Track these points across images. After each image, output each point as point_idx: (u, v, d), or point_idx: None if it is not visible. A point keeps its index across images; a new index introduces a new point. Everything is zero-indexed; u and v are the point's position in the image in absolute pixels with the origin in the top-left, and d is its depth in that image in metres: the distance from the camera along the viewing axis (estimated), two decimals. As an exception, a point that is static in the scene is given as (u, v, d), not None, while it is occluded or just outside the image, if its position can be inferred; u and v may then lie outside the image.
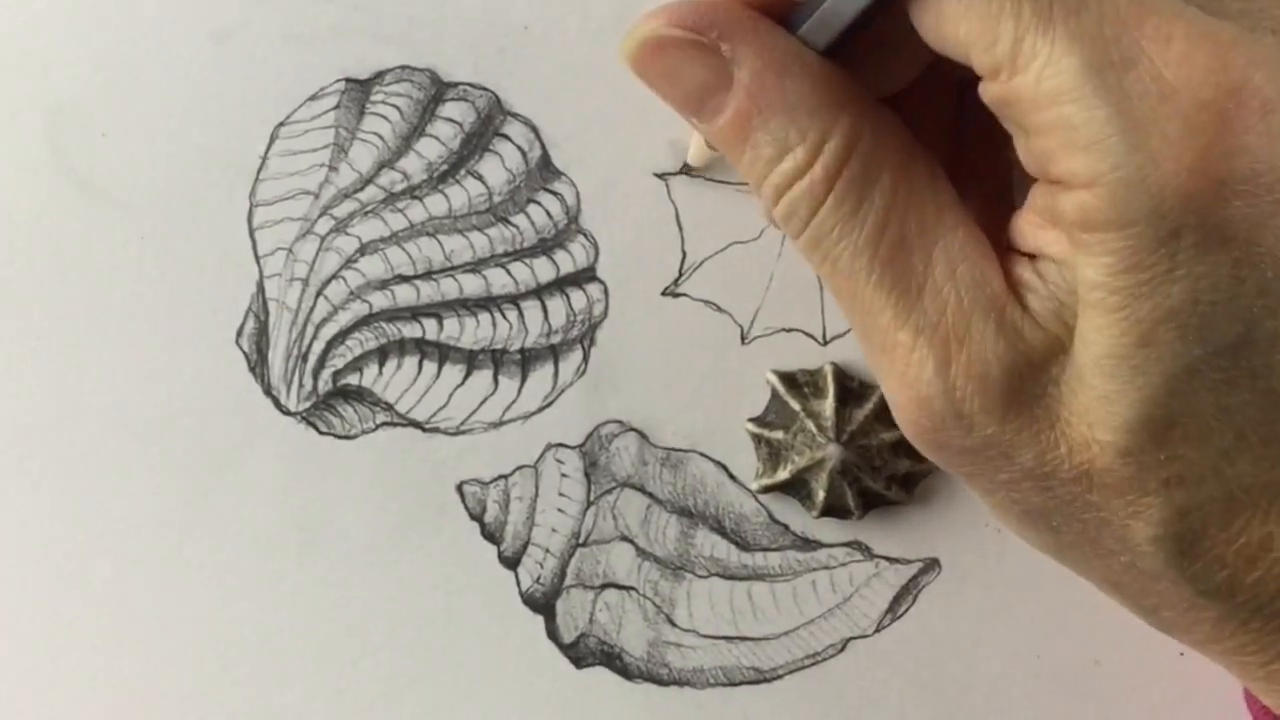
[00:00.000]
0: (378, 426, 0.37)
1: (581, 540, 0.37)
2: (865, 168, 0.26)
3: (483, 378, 0.37)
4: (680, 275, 0.37)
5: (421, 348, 0.37)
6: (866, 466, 0.36)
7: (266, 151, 0.37)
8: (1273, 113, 0.23)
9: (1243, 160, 0.23)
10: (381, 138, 0.37)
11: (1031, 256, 0.26)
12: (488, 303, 0.37)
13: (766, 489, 0.36)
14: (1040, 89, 0.23)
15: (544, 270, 0.37)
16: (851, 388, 0.36)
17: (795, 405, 0.36)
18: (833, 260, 0.26)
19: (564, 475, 0.37)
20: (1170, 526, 0.25)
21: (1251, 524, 0.25)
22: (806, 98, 0.26)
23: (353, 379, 0.37)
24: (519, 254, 0.37)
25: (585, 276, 0.37)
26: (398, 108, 0.37)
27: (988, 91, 0.25)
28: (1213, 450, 0.25)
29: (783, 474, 0.36)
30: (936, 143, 0.29)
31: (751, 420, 0.37)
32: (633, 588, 0.37)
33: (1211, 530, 0.25)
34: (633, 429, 0.37)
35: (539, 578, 0.37)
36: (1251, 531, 0.25)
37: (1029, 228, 0.26)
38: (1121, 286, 0.24)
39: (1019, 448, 0.26)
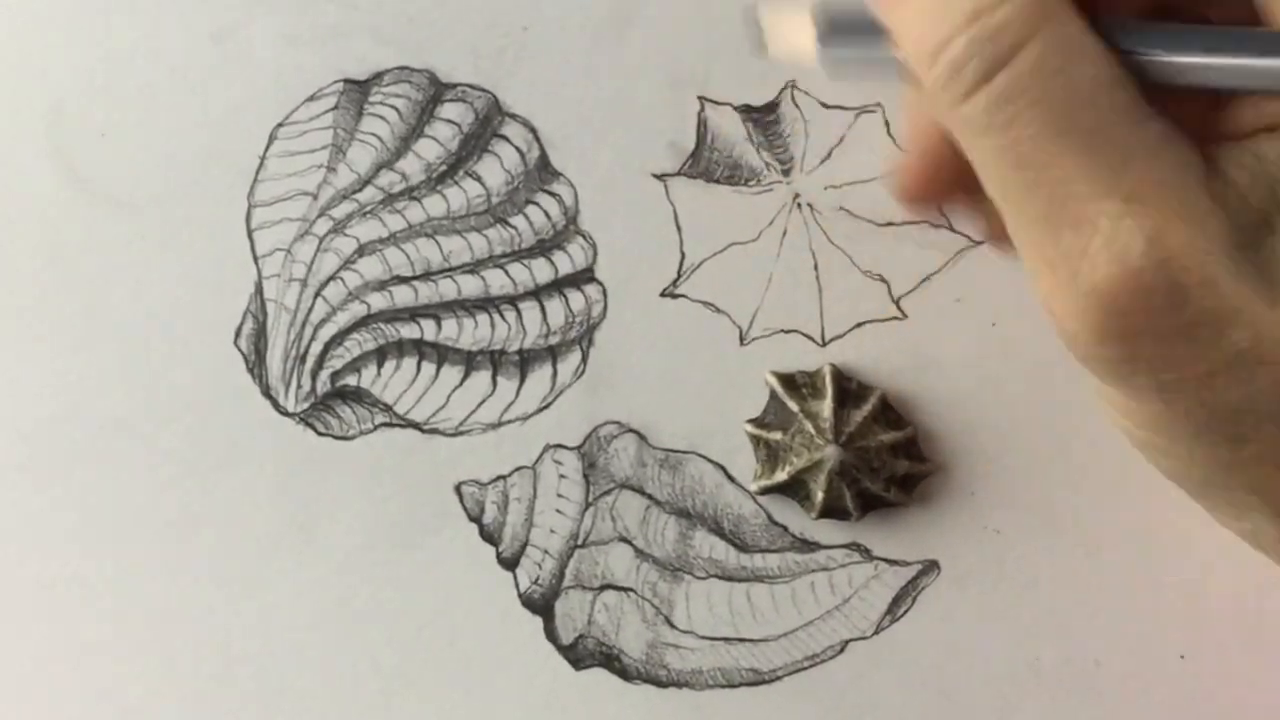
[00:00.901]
0: (376, 427, 0.37)
1: (580, 541, 0.37)
2: (1068, 33, 0.24)
3: (481, 379, 0.37)
4: (679, 276, 0.37)
5: (420, 349, 0.37)
6: (865, 468, 0.36)
7: (265, 152, 0.37)
8: None
9: None
10: (380, 139, 0.37)
11: (1240, 140, 0.24)
12: (486, 304, 0.37)
13: (765, 490, 0.36)
14: None
15: (542, 271, 0.37)
16: (850, 389, 0.36)
17: (794, 406, 0.36)
18: (1032, 114, 0.23)
19: (562, 476, 0.37)
20: None
21: None
22: None
23: (351, 380, 0.37)
24: (517, 255, 0.37)
25: (584, 277, 0.37)
26: (396, 109, 0.37)
27: None
28: None
29: (781, 475, 0.36)
30: None
31: (750, 421, 0.37)
32: (631, 589, 0.37)
33: None
34: (631, 430, 0.37)
35: (537, 579, 0.37)
36: None
37: (1246, 108, 0.24)
38: None
39: (1236, 324, 0.23)
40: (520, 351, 0.37)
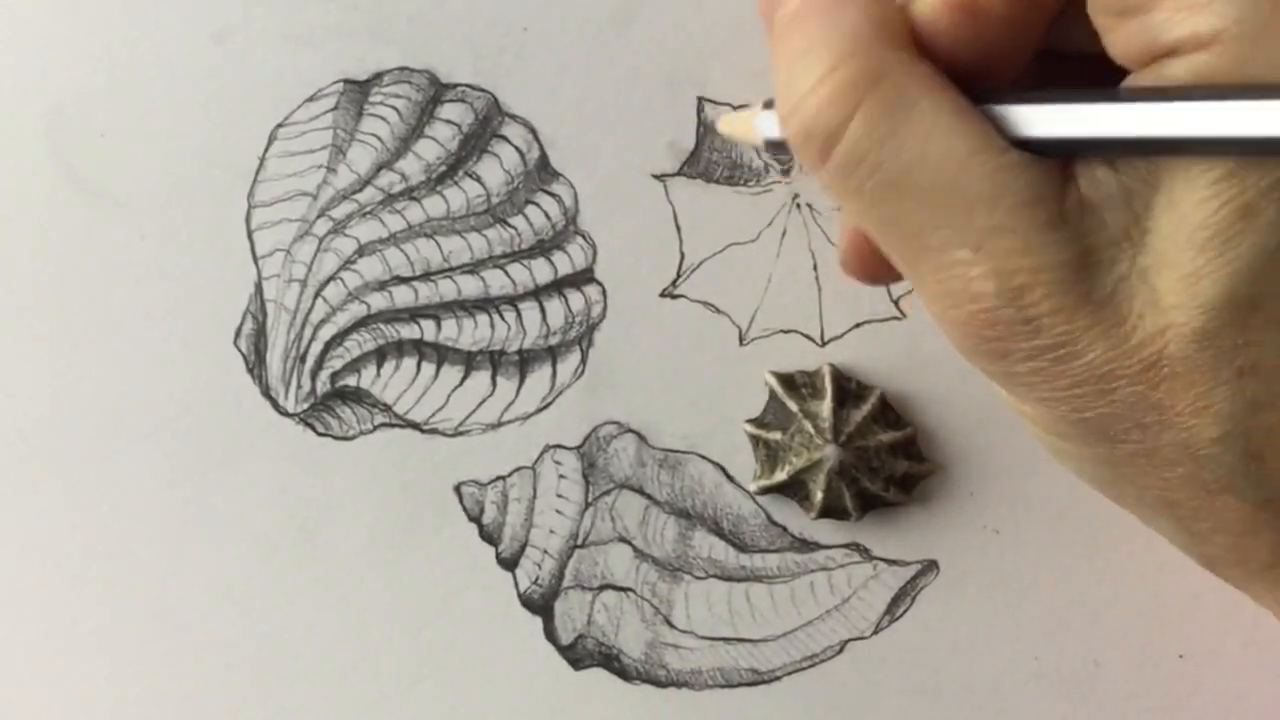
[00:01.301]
0: (376, 427, 0.37)
1: (579, 541, 0.37)
2: (907, 82, 0.25)
3: (481, 379, 0.37)
4: (678, 276, 0.37)
5: (420, 349, 0.37)
6: (864, 468, 0.36)
7: (265, 153, 0.37)
8: None
9: None
10: (380, 139, 0.37)
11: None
12: (486, 304, 0.37)
13: (764, 490, 0.36)
14: None
15: (542, 272, 0.37)
16: (849, 389, 0.36)
17: (793, 406, 0.36)
18: (873, 180, 0.25)
19: (562, 476, 0.37)
20: (1239, 422, 0.24)
21: None
22: (858, 23, 0.25)
23: (351, 380, 0.37)
24: (517, 255, 0.37)
25: (583, 278, 0.37)
26: (396, 109, 0.37)
27: (1122, 36, 0.24)
28: None
29: (781, 475, 0.36)
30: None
31: (749, 421, 0.37)
32: (631, 589, 0.37)
33: None
34: (631, 430, 0.37)
35: (537, 579, 0.37)
36: None
37: None
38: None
39: (1088, 345, 0.25)
40: (520, 352, 0.37)
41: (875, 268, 0.30)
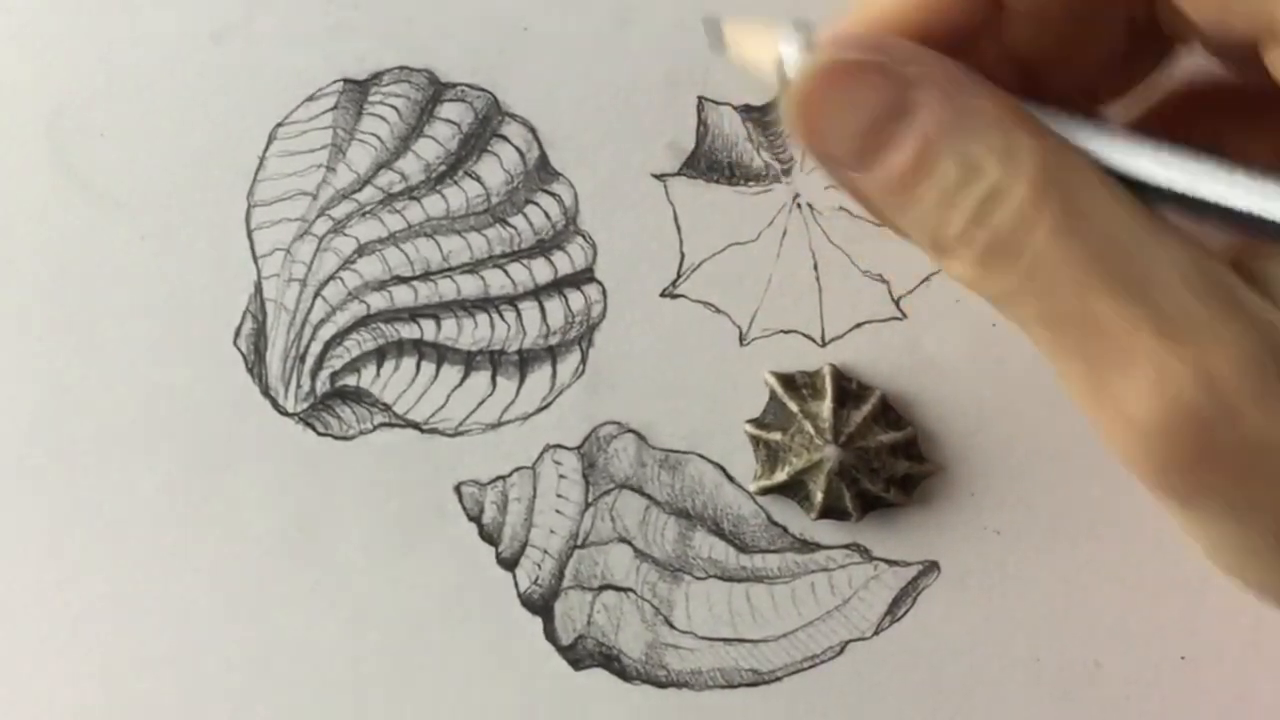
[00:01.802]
0: (375, 427, 0.37)
1: (579, 541, 0.37)
2: (1067, 177, 0.23)
3: (481, 379, 0.37)
4: (679, 276, 0.37)
5: (419, 349, 0.37)
6: (865, 468, 0.36)
7: (264, 152, 0.37)
8: None
9: None
10: (379, 138, 0.37)
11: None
12: (486, 304, 0.37)
13: (765, 490, 0.36)
14: None
15: (542, 271, 0.37)
16: (850, 389, 0.36)
17: (793, 407, 0.36)
18: (1052, 289, 0.23)
19: (562, 476, 0.37)
20: None
21: None
22: (993, 112, 0.23)
23: (350, 380, 0.37)
24: (517, 255, 0.37)
25: (583, 278, 0.37)
26: (396, 108, 0.37)
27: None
28: None
29: (781, 475, 0.36)
30: None
31: (750, 422, 0.37)
32: (631, 589, 0.37)
33: None
34: (631, 430, 0.37)
35: (537, 579, 0.37)
36: None
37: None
38: None
39: None
40: (520, 351, 0.37)
41: None
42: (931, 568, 0.37)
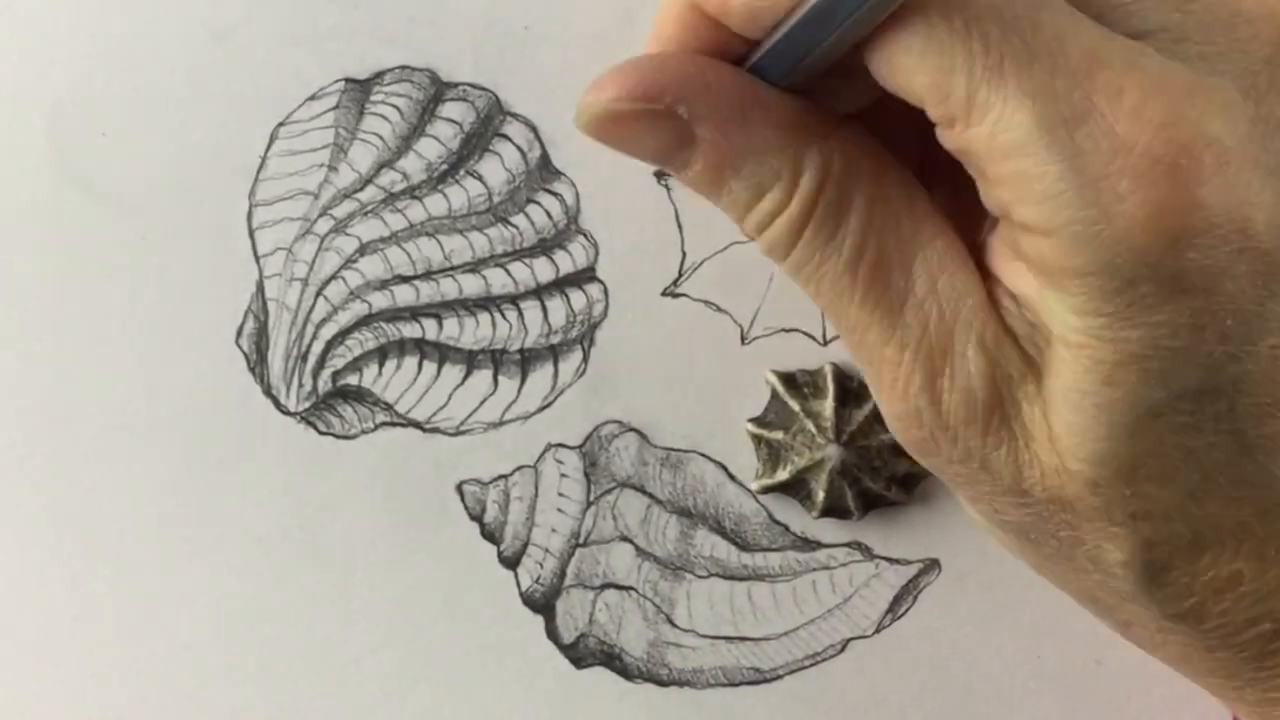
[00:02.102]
0: (377, 426, 0.37)
1: (581, 540, 0.37)
2: (840, 194, 0.26)
3: (482, 378, 0.37)
4: (680, 275, 0.37)
5: (421, 348, 0.37)
6: (866, 467, 0.36)
7: (266, 151, 0.37)
8: (1227, 165, 0.23)
9: (1198, 215, 0.23)
10: (381, 138, 0.37)
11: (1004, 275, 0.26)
12: (487, 303, 0.37)
13: (766, 489, 0.36)
14: (995, 143, 0.24)
15: (544, 270, 0.37)
16: (851, 388, 0.36)
17: (795, 406, 0.36)
18: (816, 283, 0.27)
19: (564, 475, 0.37)
20: (1138, 555, 0.26)
21: (1219, 560, 0.25)
22: (772, 139, 0.26)
23: (352, 379, 0.37)
24: (519, 254, 0.37)
25: (585, 277, 0.37)
26: (397, 108, 0.37)
27: (945, 139, 0.25)
28: (1179, 490, 0.25)
29: (782, 474, 0.36)
30: (908, 149, 0.29)
31: (751, 420, 0.37)
32: (632, 588, 0.37)
33: (1179, 562, 0.26)
34: (632, 429, 0.37)
35: (539, 578, 0.37)
36: (1219, 567, 0.26)
37: (999, 256, 0.26)
38: (1083, 327, 0.24)
39: (999, 464, 0.26)
40: (521, 350, 0.37)
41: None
42: (933, 566, 0.37)
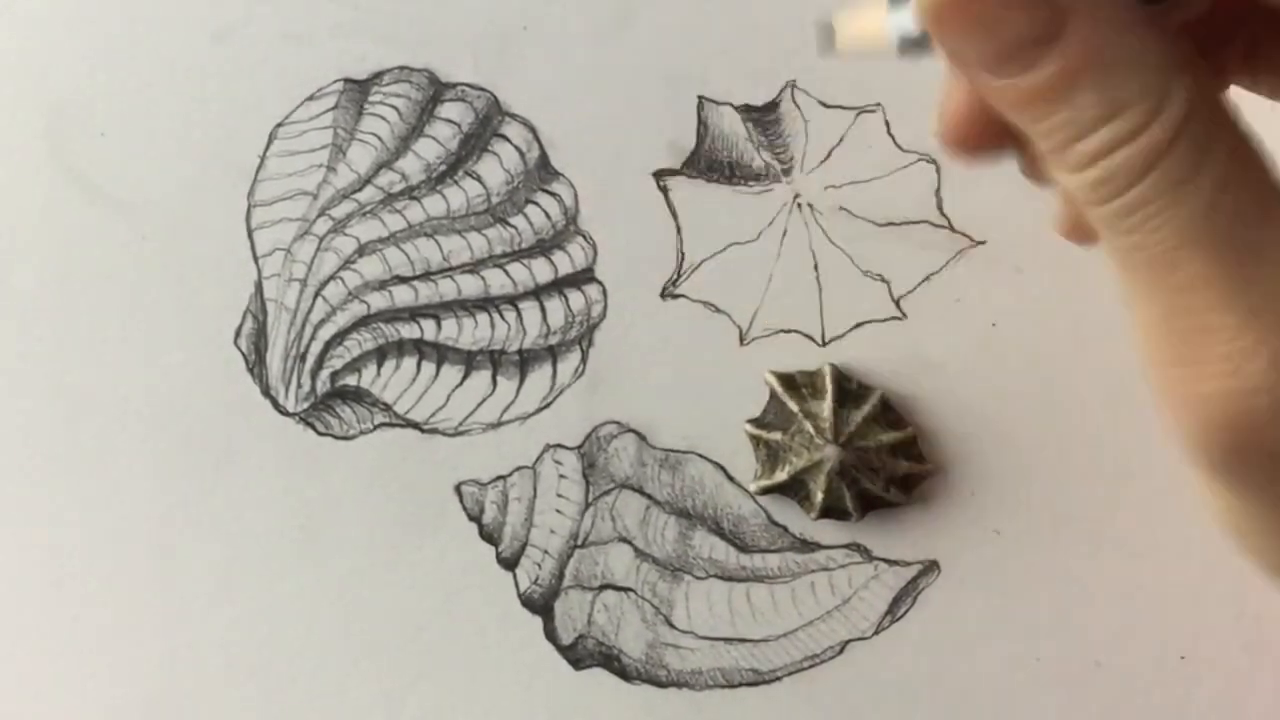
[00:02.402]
0: (376, 427, 0.37)
1: (580, 541, 0.37)
2: (1206, 130, 0.23)
3: (481, 378, 0.37)
4: (679, 276, 0.37)
5: (420, 348, 0.37)
6: (865, 468, 0.36)
7: (265, 152, 0.37)
8: None
9: None
10: (380, 138, 0.37)
11: None
12: (486, 304, 0.37)
13: (765, 490, 0.36)
14: None
15: (542, 271, 0.37)
16: (850, 389, 0.36)
17: (794, 407, 0.36)
18: (1148, 233, 0.23)
19: (562, 476, 0.37)
20: None
21: None
22: (1150, 53, 0.23)
23: (351, 379, 0.37)
24: (517, 255, 0.37)
25: (583, 277, 0.37)
26: (396, 108, 0.37)
27: None
28: None
29: (781, 475, 0.36)
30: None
31: (750, 421, 0.37)
32: (631, 589, 0.37)
33: None
34: (631, 430, 0.37)
35: (537, 579, 0.37)
36: None
37: None
38: None
39: None
40: (520, 351, 0.37)
41: (985, 141, 0.27)
42: (931, 567, 0.37)
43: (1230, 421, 0.23)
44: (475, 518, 0.37)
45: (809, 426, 0.36)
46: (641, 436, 0.37)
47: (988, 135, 0.26)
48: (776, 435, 0.36)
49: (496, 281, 0.37)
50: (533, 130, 0.37)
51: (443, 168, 0.37)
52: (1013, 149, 0.27)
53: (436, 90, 0.37)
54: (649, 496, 0.37)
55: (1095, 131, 0.23)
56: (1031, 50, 0.23)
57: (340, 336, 0.37)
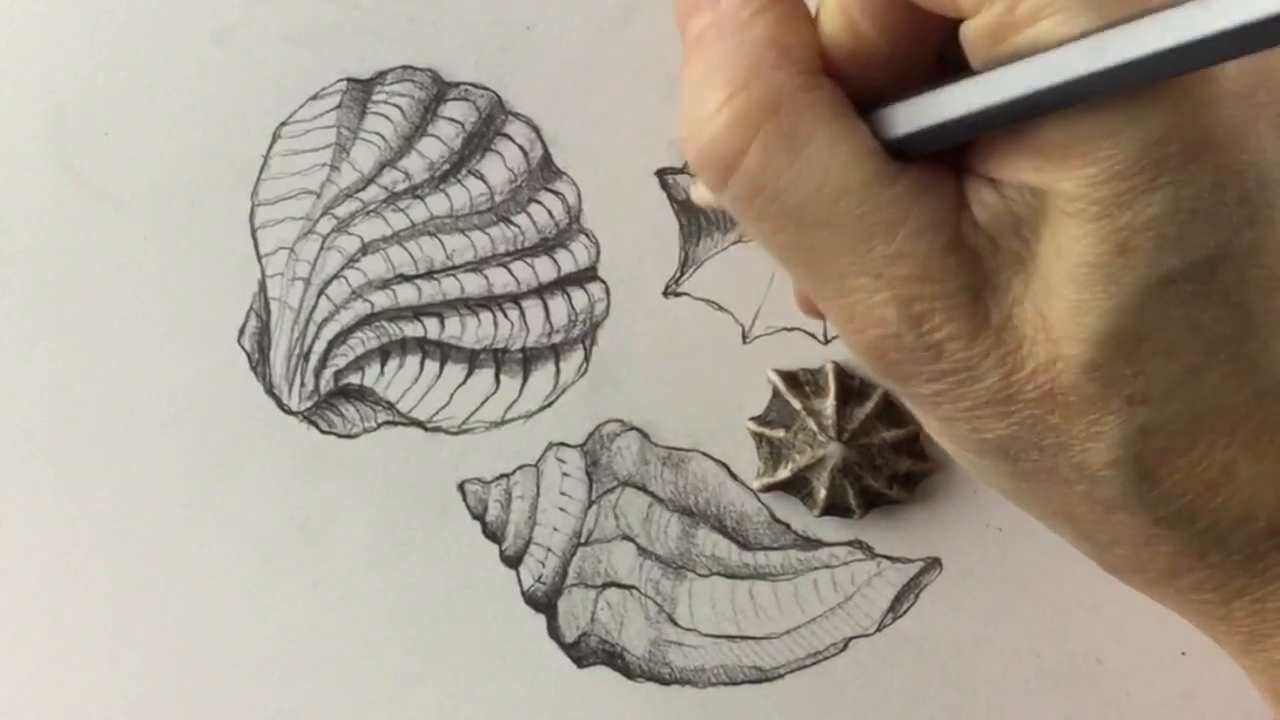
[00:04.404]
0: (379, 426, 0.37)
1: (583, 539, 0.37)
2: (804, 111, 0.25)
3: (484, 377, 0.37)
4: (681, 274, 0.37)
5: (423, 347, 0.37)
6: (868, 465, 0.36)
7: (268, 151, 0.37)
8: None
9: (1230, 66, 0.23)
10: (383, 137, 0.37)
11: (990, 181, 0.25)
12: (489, 302, 0.37)
13: (768, 488, 0.36)
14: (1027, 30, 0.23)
15: (545, 269, 0.37)
16: (853, 386, 0.36)
17: (796, 404, 0.36)
18: (772, 209, 0.25)
19: (565, 474, 0.37)
20: (1131, 447, 0.25)
21: (1214, 448, 0.25)
22: (758, 48, 0.25)
23: (354, 378, 0.37)
24: (520, 253, 0.37)
25: (587, 276, 0.37)
26: (399, 107, 0.37)
27: (972, 28, 0.24)
28: (1180, 367, 0.24)
29: (784, 473, 0.36)
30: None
31: (753, 419, 0.37)
32: (634, 587, 0.37)
33: (1173, 453, 0.25)
34: (634, 428, 0.37)
35: (540, 576, 0.37)
36: (1214, 456, 0.25)
37: (995, 151, 0.25)
38: (1102, 197, 0.23)
39: (985, 371, 0.25)
40: (523, 350, 0.37)
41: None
42: (934, 564, 0.37)
43: (888, 359, 0.26)
44: (478, 516, 0.37)
45: (812, 424, 0.36)
46: (644, 434, 0.37)
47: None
48: (779, 433, 0.36)
49: (500, 280, 0.37)
50: (536, 129, 0.37)
51: (446, 166, 0.37)
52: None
53: (440, 89, 0.37)
54: (652, 494, 0.37)
55: (697, 133, 0.26)
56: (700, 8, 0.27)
57: (344, 335, 0.37)
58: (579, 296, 0.37)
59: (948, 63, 0.27)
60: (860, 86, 0.26)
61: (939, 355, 0.25)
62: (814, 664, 0.37)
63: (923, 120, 0.25)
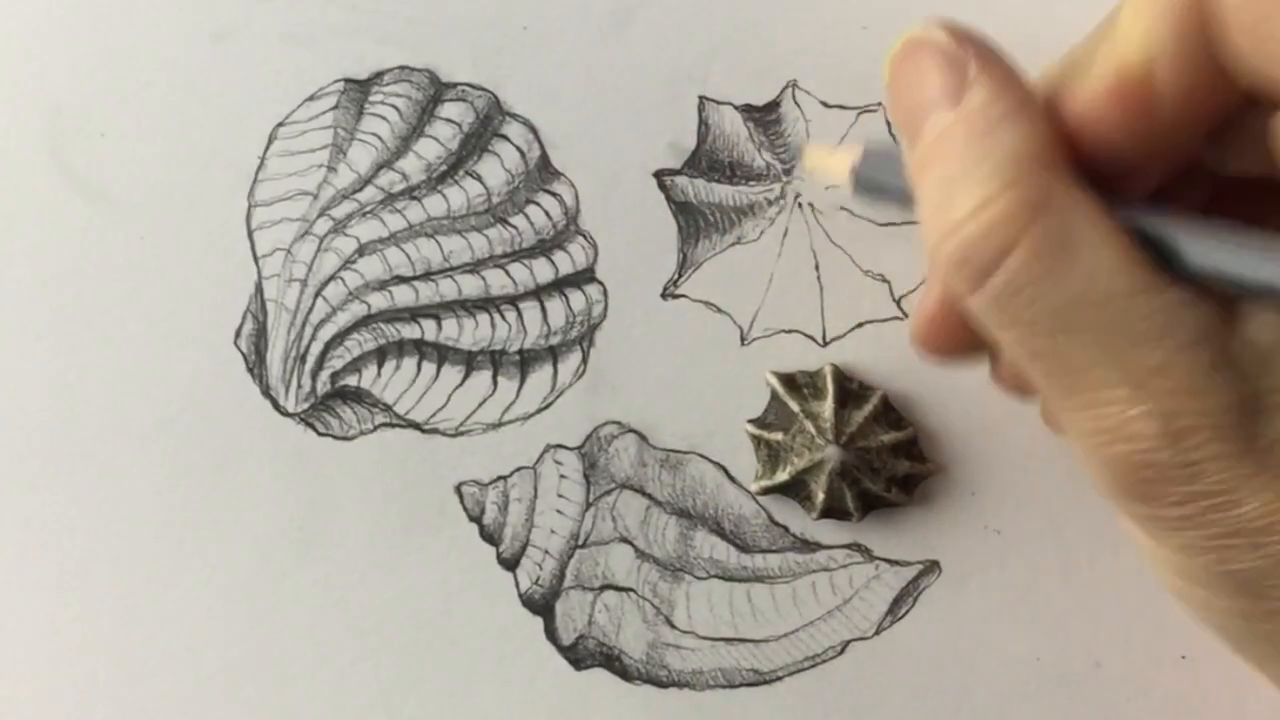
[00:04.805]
0: (376, 427, 0.37)
1: (580, 541, 0.37)
2: (1077, 214, 0.24)
3: (481, 379, 0.37)
4: (679, 276, 0.37)
5: (420, 349, 0.37)
6: (866, 468, 0.36)
7: (265, 152, 0.37)
8: None
9: None
10: (380, 138, 0.37)
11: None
12: (486, 304, 0.37)
13: (766, 490, 0.36)
14: None
15: (543, 271, 0.37)
16: (851, 389, 0.36)
17: (795, 407, 0.36)
18: (1031, 312, 0.24)
19: (563, 476, 0.37)
20: None
21: None
22: (1018, 147, 0.25)
23: (351, 380, 0.37)
24: (518, 255, 0.37)
25: (584, 277, 0.37)
26: (396, 108, 0.37)
27: None
28: None
29: (782, 475, 0.36)
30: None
31: (751, 422, 0.37)
32: (632, 589, 0.37)
33: None
34: (632, 430, 0.37)
35: (538, 579, 0.37)
36: None
37: None
38: None
39: (1248, 495, 0.24)
40: (521, 351, 0.37)
41: (954, 345, 0.29)
42: (932, 567, 0.37)
43: (1139, 478, 0.24)
44: (476, 518, 0.37)
45: (810, 426, 0.36)
46: (642, 437, 0.37)
47: (957, 339, 0.29)
48: (777, 435, 0.36)
49: (497, 281, 0.37)
50: (533, 130, 0.37)
51: (443, 168, 0.37)
52: (980, 353, 0.30)
53: (437, 90, 0.37)
54: (650, 497, 0.37)
55: (955, 208, 0.25)
56: (933, 112, 0.26)
57: (340, 337, 0.37)
58: (576, 298, 0.37)
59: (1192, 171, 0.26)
60: (1101, 185, 0.25)
61: (1196, 475, 0.24)
62: (812, 667, 0.37)
63: (1220, 265, 0.24)
